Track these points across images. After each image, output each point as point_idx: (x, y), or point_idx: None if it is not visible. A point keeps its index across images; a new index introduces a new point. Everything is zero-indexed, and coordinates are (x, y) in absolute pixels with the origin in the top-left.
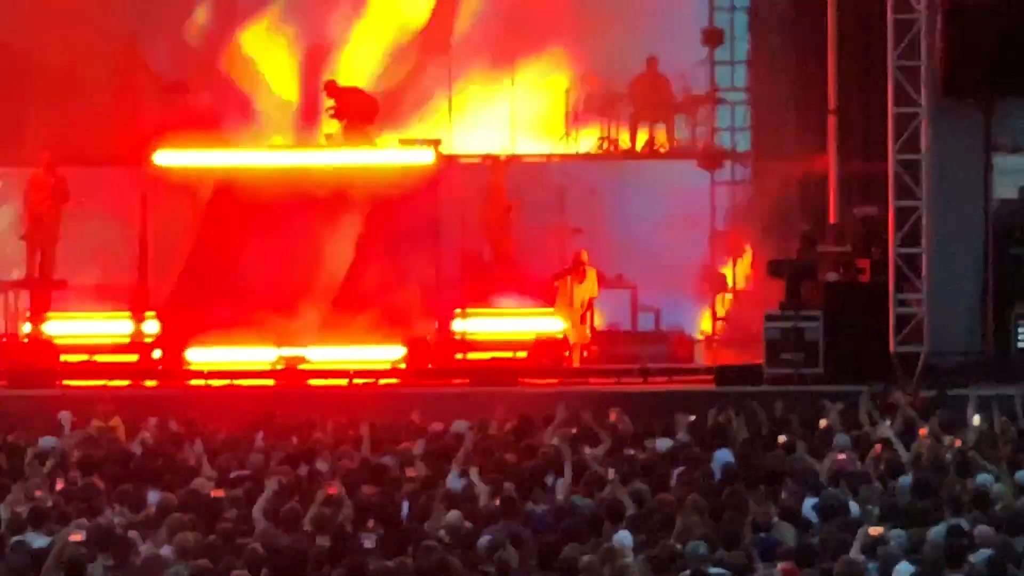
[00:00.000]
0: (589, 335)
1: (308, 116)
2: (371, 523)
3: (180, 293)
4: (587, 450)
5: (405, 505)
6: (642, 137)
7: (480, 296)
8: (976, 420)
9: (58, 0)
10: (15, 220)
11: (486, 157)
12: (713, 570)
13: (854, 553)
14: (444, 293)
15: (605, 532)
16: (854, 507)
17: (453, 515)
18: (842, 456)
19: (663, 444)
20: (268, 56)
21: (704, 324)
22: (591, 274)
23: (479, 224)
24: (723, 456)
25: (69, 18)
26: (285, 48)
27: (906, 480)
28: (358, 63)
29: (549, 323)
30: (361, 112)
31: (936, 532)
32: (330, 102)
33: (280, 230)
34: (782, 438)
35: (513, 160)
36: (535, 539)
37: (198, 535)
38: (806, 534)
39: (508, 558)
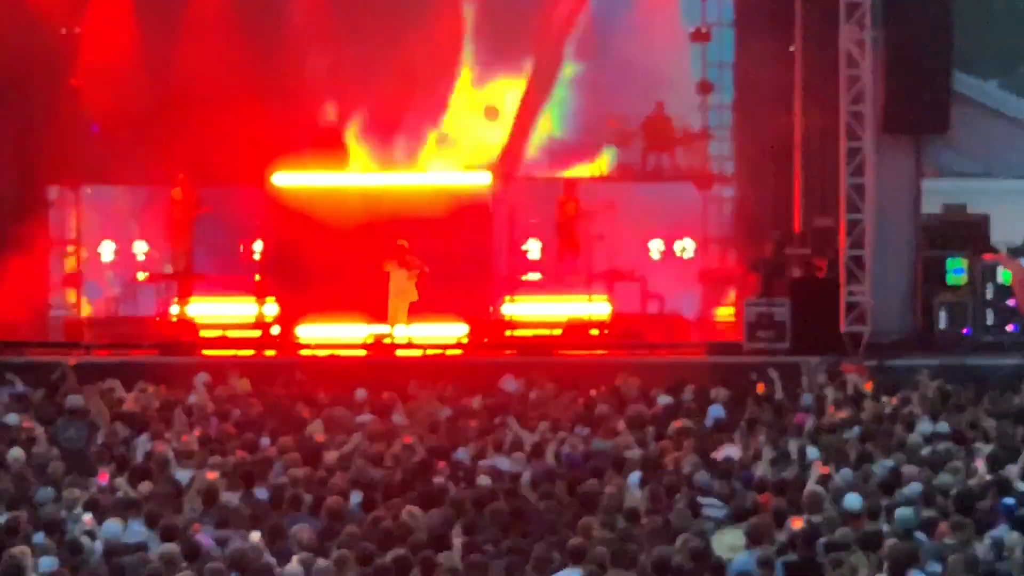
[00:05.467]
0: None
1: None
2: (440, 463)
3: (293, 283)
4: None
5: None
6: (651, 163)
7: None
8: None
9: (201, 44)
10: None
11: (536, 178)
12: (704, 500)
13: (811, 486)
14: (497, 284)
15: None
16: (813, 451)
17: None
18: (802, 414)
19: (664, 400)
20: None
21: (722, 312)
22: (411, 260)
23: (553, 227)
24: (715, 411)
25: (207, 59)
26: None
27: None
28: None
29: (583, 307)
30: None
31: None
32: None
33: (372, 234)
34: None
35: (552, 180)
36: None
37: (307, 470)
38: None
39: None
